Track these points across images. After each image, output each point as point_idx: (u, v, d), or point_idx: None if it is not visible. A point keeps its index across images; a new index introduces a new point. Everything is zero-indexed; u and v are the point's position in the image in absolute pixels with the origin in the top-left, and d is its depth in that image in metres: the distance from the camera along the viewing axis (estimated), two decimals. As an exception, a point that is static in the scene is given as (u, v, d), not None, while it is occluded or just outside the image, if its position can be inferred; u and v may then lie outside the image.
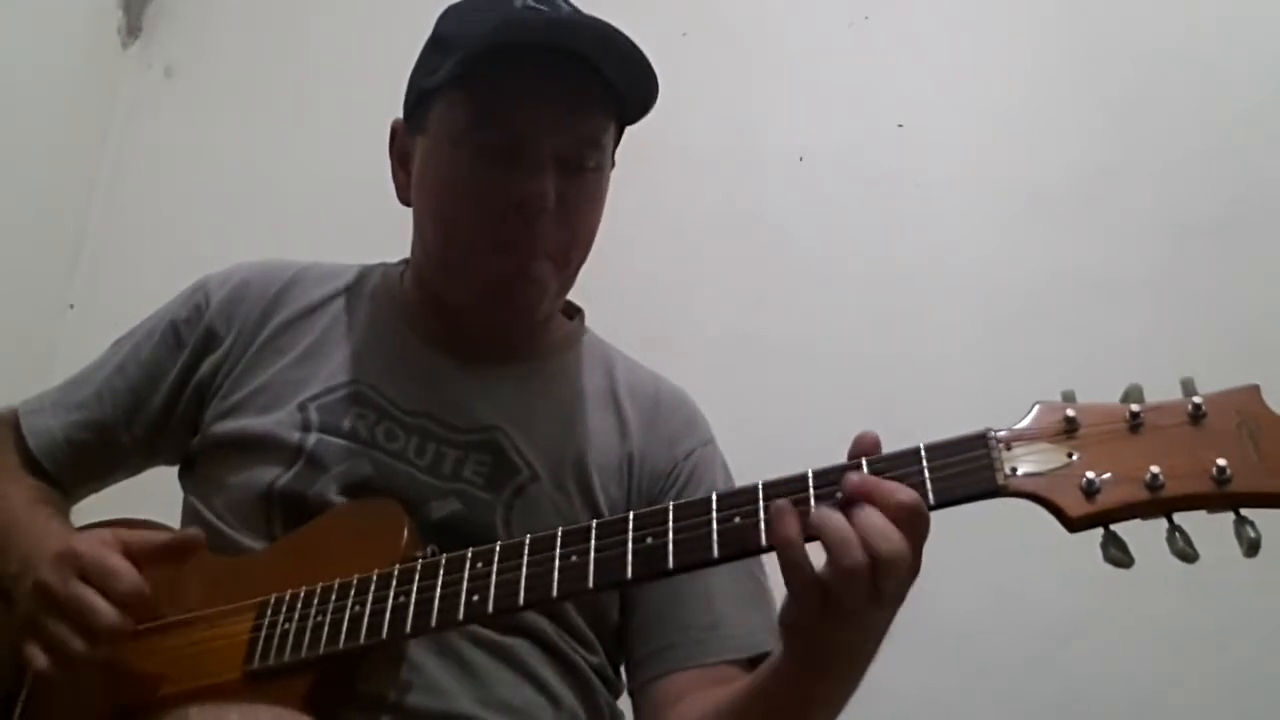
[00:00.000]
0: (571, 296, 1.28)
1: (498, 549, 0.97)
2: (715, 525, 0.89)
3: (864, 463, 0.86)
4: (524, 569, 0.94)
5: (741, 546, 0.88)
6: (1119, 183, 1.86)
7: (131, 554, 1.05)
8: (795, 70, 2.13)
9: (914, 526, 0.83)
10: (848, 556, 0.82)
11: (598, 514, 1.15)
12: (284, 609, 1.02)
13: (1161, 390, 0.83)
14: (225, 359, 1.25)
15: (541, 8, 1.15)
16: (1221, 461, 0.76)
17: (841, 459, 0.88)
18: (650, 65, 1.12)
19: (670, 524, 0.91)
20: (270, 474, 1.15)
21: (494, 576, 0.95)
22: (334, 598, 1.00)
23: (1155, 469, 0.78)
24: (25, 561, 1.09)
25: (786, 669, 0.94)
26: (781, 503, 0.86)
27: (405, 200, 1.24)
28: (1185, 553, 0.77)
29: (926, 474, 0.84)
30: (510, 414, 1.20)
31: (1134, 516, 0.79)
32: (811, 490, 0.86)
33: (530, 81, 1.12)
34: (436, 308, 1.24)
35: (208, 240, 2.26)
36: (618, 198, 1.22)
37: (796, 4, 2.17)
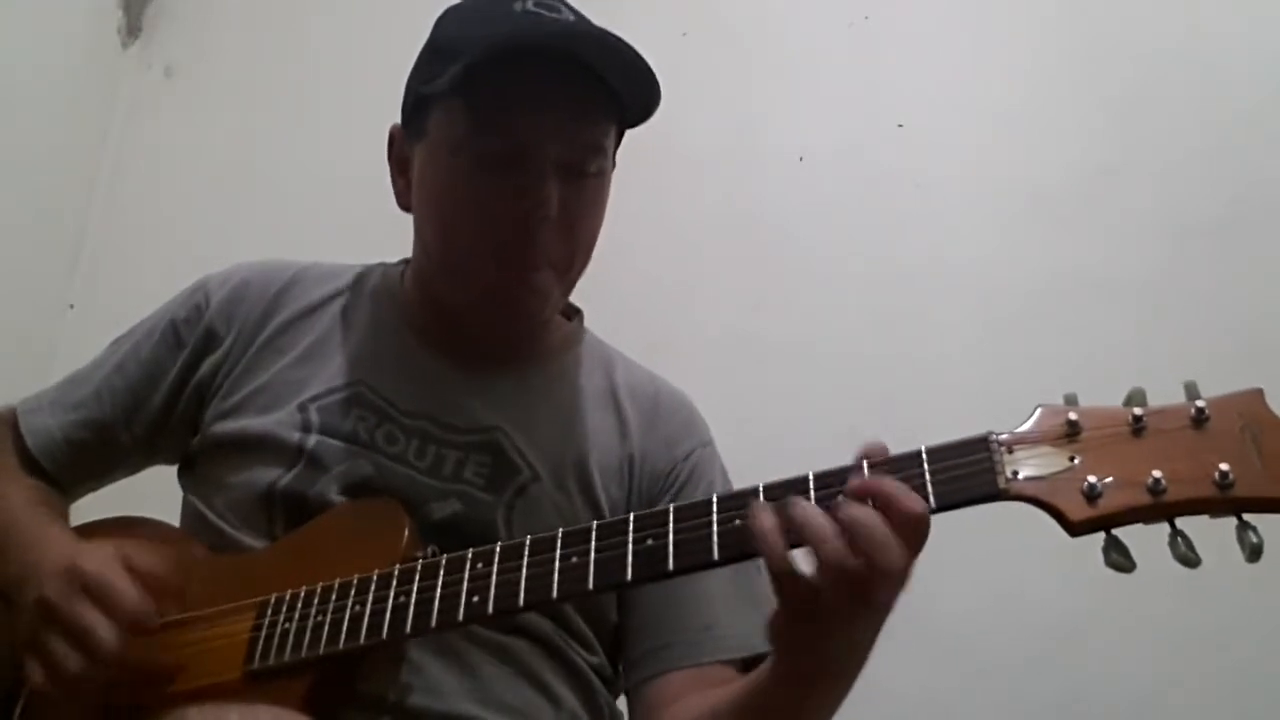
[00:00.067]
0: (571, 296, 1.28)
1: (498, 550, 0.97)
2: (715, 527, 0.89)
3: (865, 464, 0.86)
4: (524, 570, 0.94)
5: (741, 548, 0.87)
6: (1119, 183, 1.86)
7: (135, 573, 1.04)
8: (795, 70, 2.13)
9: (916, 535, 0.82)
10: (832, 553, 0.81)
11: (599, 515, 1.15)
12: (284, 609, 1.02)
13: (1161, 390, 0.83)
14: (225, 359, 1.24)
15: (542, 12, 1.14)
16: (1224, 466, 0.76)
17: (841, 459, 0.88)
18: (652, 72, 1.11)
19: (670, 525, 0.91)
20: (271, 474, 1.15)
21: (494, 577, 0.95)
22: (334, 598, 1.00)
23: (1157, 473, 0.78)
24: (25, 565, 1.08)
25: (778, 674, 0.94)
26: (760, 501, 0.86)
27: (405, 206, 1.23)
28: (1187, 558, 0.77)
29: (927, 477, 0.84)
30: (510, 415, 1.20)
31: (1136, 521, 0.79)
32: (813, 492, 0.86)
33: (532, 88, 1.11)
34: (436, 309, 1.24)
35: (208, 240, 2.26)
36: (617, 198, 1.21)
37: (796, 4, 2.17)
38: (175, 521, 1.24)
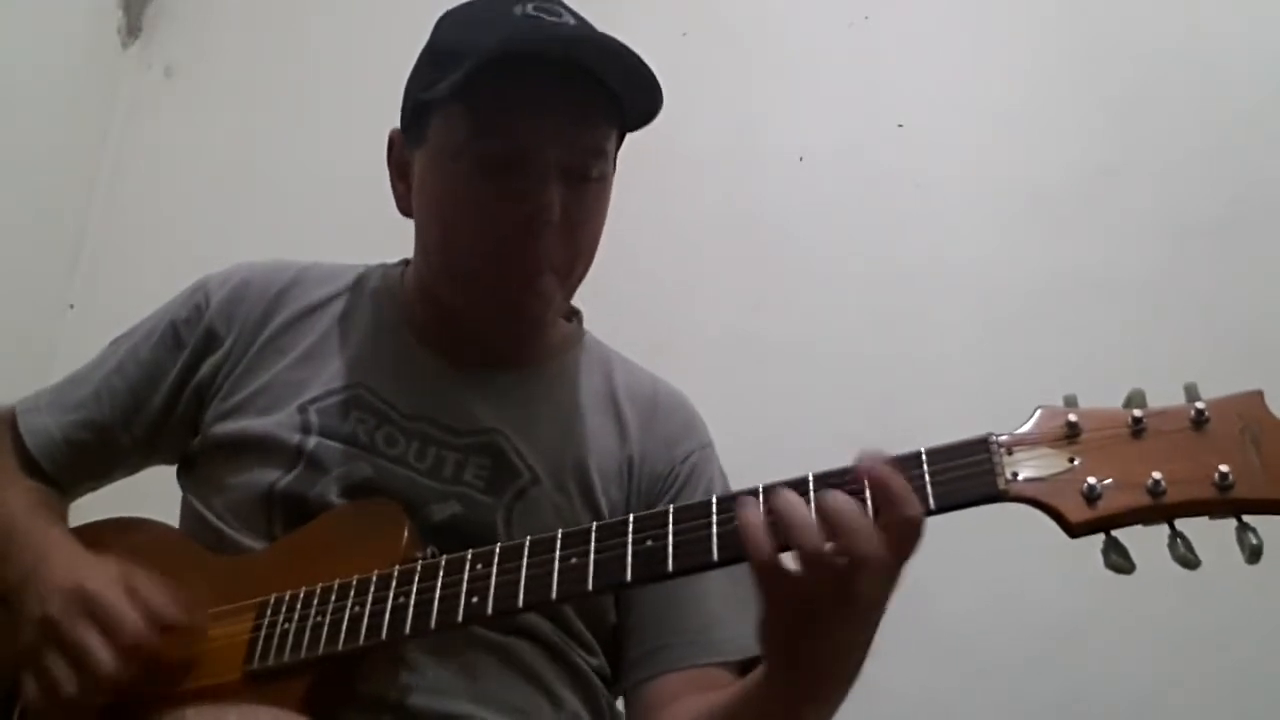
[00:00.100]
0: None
1: (497, 550, 0.97)
2: (715, 528, 0.89)
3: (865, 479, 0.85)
4: (523, 570, 0.94)
5: (740, 550, 0.87)
6: (1119, 183, 1.86)
7: (138, 600, 1.04)
8: (795, 70, 2.13)
9: (906, 537, 0.82)
10: (809, 540, 0.82)
11: (599, 517, 1.15)
12: (284, 609, 1.02)
13: (1161, 390, 0.83)
14: (225, 360, 1.24)
15: (542, 16, 1.14)
16: (1224, 467, 0.76)
17: (841, 460, 0.87)
18: (654, 76, 1.11)
19: (670, 526, 0.91)
20: (271, 476, 1.15)
21: (493, 578, 0.95)
22: (334, 598, 1.00)
23: (1157, 474, 0.78)
24: (26, 571, 1.08)
25: (770, 677, 0.94)
26: (748, 496, 0.87)
27: (405, 211, 1.23)
28: (1187, 559, 0.77)
29: (927, 478, 0.84)
30: (510, 417, 1.20)
31: (1136, 522, 0.79)
32: (812, 493, 0.86)
33: (532, 92, 1.11)
34: (437, 311, 1.24)
35: (208, 240, 2.26)
36: (617, 198, 1.21)
37: (796, 4, 2.17)
38: (174, 522, 1.24)
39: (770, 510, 0.85)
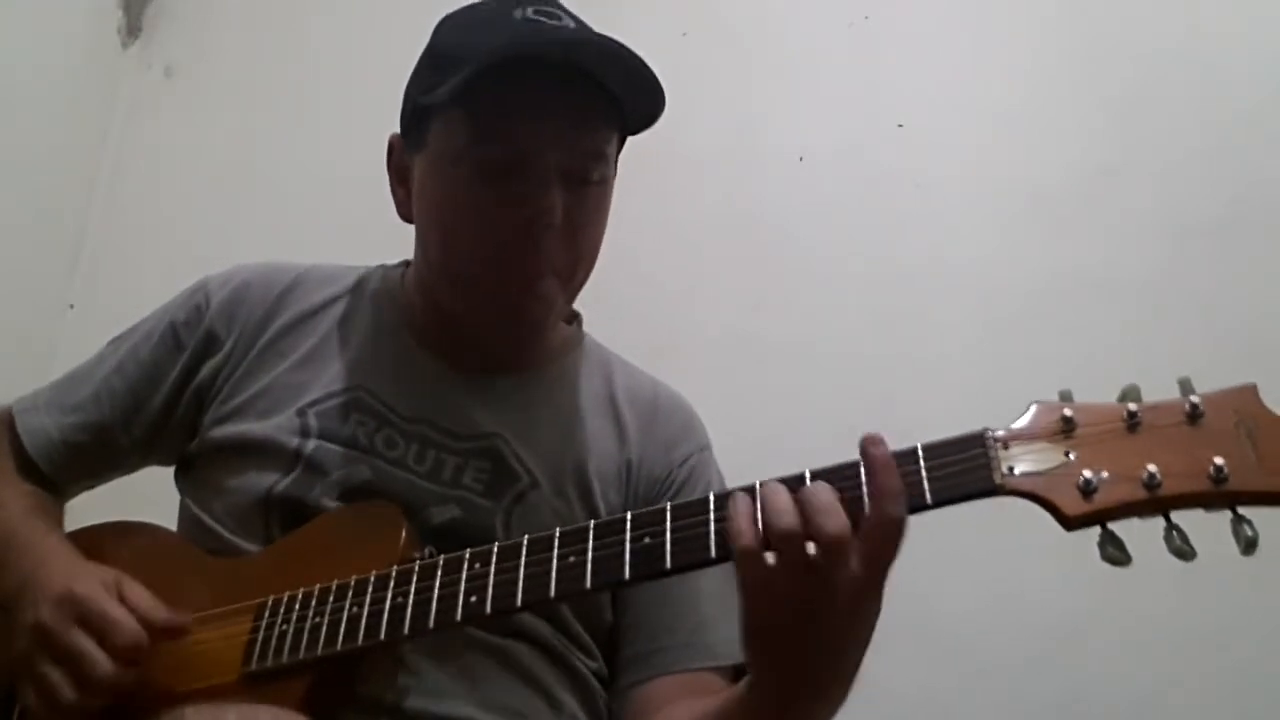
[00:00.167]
0: (571, 299, 1.28)
1: (495, 550, 0.97)
2: (712, 525, 0.89)
3: (860, 461, 0.86)
4: (521, 569, 0.94)
5: (732, 543, 0.87)
6: (1119, 183, 1.86)
7: (128, 604, 1.04)
8: (795, 70, 2.12)
9: (886, 537, 0.83)
10: (784, 524, 0.82)
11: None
12: (282, 610, 1.03)
13: (1161, 390, 0.83)
14: (225, 362, 1.24)
15: (542, 20, 1.14)
16: (1219, 460, 0.77)
17: (841, 459, 0.88)
18: (655, 79, 1.11)
19: (668, 524, 0.91)
20: (269, 479, 1.15)
21: (491, 577, 0.95)
22: (332, 599, 1.01)
23: (1152, 468, 0.78)
24: (23, 578, 1.09)
25: (756, 682, 0.93)
26: (742, 492, 0.87)
27: (405, 216, 1.23)
28: (1182, 551, 0.77)
29: (924, 473, 0.84)
30: (510, 421, 1.20)
31: (1131, 515, 0.79)
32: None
33: (532, 96, 1.11)
34: (437, 314, 1.24)
35: (208, 240, 2.26)
36: (617, 198, 1.21)
37: (796, 4, 2.17)
38: (171, 524, 1.24)
39: (760, 500, 0.85)
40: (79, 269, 2.48)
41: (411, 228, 1.24)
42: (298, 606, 1.02)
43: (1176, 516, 0.78)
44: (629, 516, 0.93)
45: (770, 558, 0.83)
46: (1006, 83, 1.99)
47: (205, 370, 1.25)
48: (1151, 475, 0.78)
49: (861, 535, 0.83)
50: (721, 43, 2.18)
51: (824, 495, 0.83)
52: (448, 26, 1.20)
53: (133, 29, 2.64)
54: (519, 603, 0.93)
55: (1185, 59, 1.89)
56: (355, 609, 0.99)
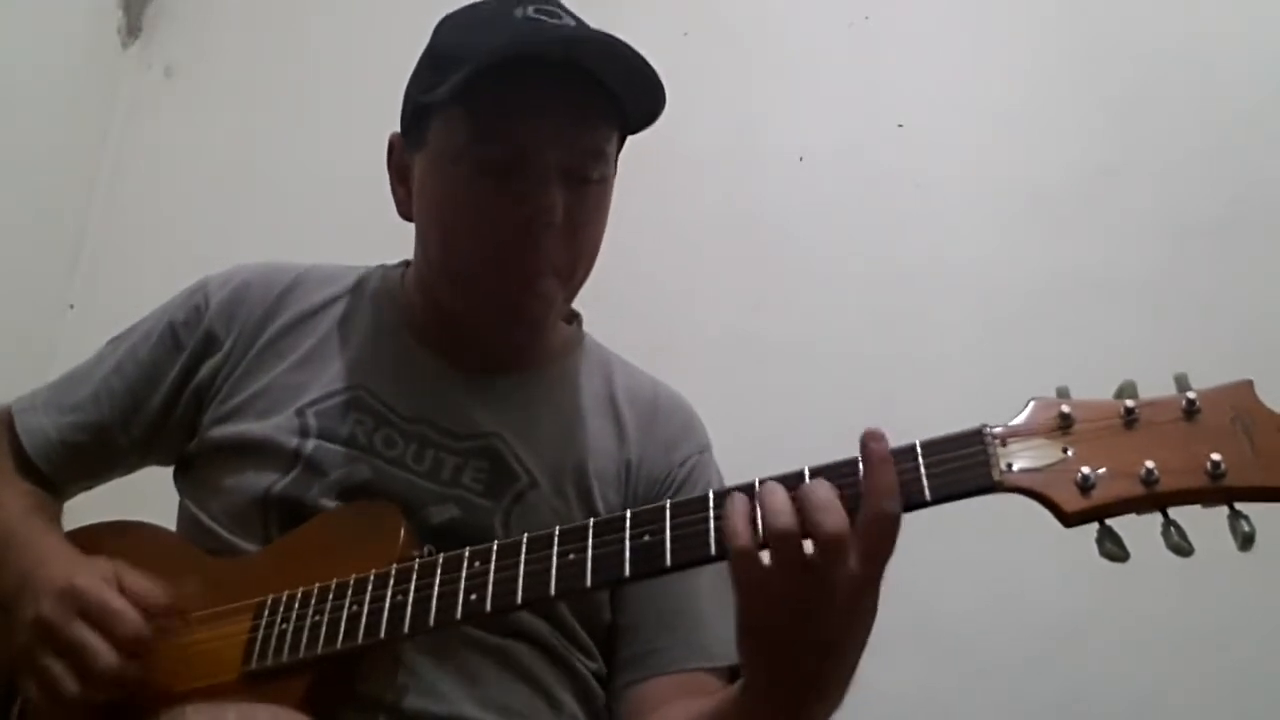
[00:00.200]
0: (571, 299, 1.28)
1: (495, 548, 0.97)
2: (712, 522, 0.89)
3: (859, 458, 0.86)
4: (521, 567, 0.94)
5: (732, 541, 0.87)
6: (1119, 183, 1.86)
7: (127, 595, 1.04)
8: (795, 70, 2.12)
9: (881, 533, 0.83)
10: (781, 522, 0.82)
11: (595, 519, 1.15)
12: (281, 609, 1.03)
13: (1160, 390, 0.83)
14: (225, 362, 1.24)
15: (543, 19, 1.14)
16: (1216, 456, 0.77)
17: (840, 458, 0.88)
18: (657, 77, 1.11)
19: (668, 521, 0.91)
20: (267, 479, 1.15)
21: (491, 575, 0.95)
22: (331, 597, 1.01)
23: (1150, 464, 0.78)
24: (23, 578, 1.09)
25: (750, 683, 0.93)
26: (741, 490, 0.87)
27: (405, 215, 1.23)
28: (1180, 547, 0.78)
29: (923, 470, 0.84)
30: (509, 421, 1.20)
31: (1129, 511, 0.79)
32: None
33: (532, 94, 1.11)
34: (437, 314, 1.24)
35: (208, 240, 2.26)
36: (617, 198, 1.22)
37: (796, 4, 2.17)
38: (170, 524, 1.24)
39: (759, 500, 0.85)
40: (79, 269, 2.48)
41: (411, 228, 1.24)
42: (297, 605, 1.02)
43: (1174, 512, 0.78)
44: (629, 514, 0.93)
45: (766, 557, 0.83)
46: (1006, 83, 1.99)
47: (204, 370, 1.25)
48: (1149, 471, 0.78)
49: (857, 532, 0.83)
50: (722, 42, 2.18)
51: (822, 492, 0.83)
52: (448, 26, 1.20)
53: (133, 29, 2.64)
54: (519, 600, 0.93)
55: (1185, 59, 1.89)
56: (355, 607, 0.99)
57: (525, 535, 0.96)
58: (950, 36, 2.05)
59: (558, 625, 1.14)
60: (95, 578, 1.04)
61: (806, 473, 0.87)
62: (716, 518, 0.88)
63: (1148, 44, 1.92)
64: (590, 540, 0.93)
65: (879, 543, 0.83)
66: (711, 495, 0.90)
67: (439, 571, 0.98)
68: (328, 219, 2.18)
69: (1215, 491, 0.77)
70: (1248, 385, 0.80)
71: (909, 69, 2.06)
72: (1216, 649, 1.58)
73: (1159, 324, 1.75)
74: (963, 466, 0.83)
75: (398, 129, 1.23)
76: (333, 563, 1.03)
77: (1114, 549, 0.79)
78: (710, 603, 1.14)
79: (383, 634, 0.97)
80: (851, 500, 0.84)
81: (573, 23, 1.16)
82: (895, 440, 0.87)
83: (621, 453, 1.22)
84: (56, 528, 1.22)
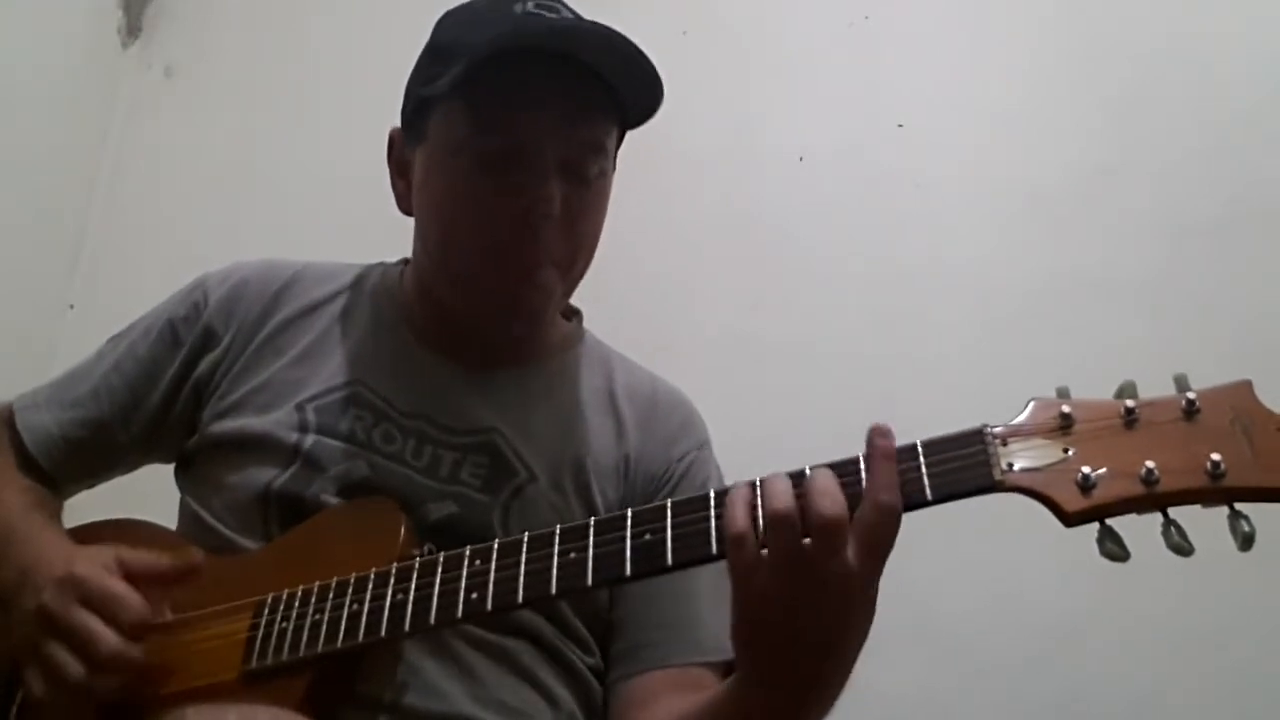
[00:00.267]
0: (571, 296, 1.28)
1: (495, 547, 0.97)
2: (713, 521, 0.89)
3: (860, 458, 0.86)
4: (522, 566, 0.94)
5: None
6: (1117, 183, 1.86)
7: (132, 576, 1.04)
8: (795, 70, 2.12)
9: (881, 527, 0.83)
10: (780, 511, 0.83)
11: (595, 515, 1.15)
12: (281, 608, 1.02)
13: (1160, 390, 0.83)
14: (224, 358, 1.24)
15: (543, 13, 1.14)
16: (1216, 456, 0.77)
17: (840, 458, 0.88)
18: (655, 70, 1.11)
19: (669, 520, 0.91)
20: (267, 475, 1.15)
21: (492, 574, 0.95)
22: (331, 596, 1.00)
23: (1150, 464, 0.78)
24: (23, 572, 1.08)
25: (745, 677, 0.93)
26: (742, 485, 0.87)
27: (405, 210, 1.23)
28: (1180, 546, 0.78)
29: (924, 470, 0.84)
30: (508, 416, 1.20)
31: (1129, 511, 0.79)
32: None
33: (532, 87, 1.12)
34: (436, 309, 1.24)
35: (208, 240, 2.25)
36: (616, 197, 1.22)
37: (796, 3, 2.17)
38: (171, 522, 1.24)
39: (761, 492, 0.86)
40: (79, 269, 2.48)
41: (410, 228, 1.25)
42: (297, 604, 1.01)
43: (1174, 512, 0.78)
44: (629, 513, 0.93)
45: (762, 547, 0.83)
46: (1005, 83, 1.99)
47: (203, 366, 1.25)
48: (1149, 471, 0.78)
49: (856, 525, 0.83)
50: (721, 42, 2.18)
51: (823, 479, 0.84)
52: (449, 21, 1.20)
53: (133, 29, 2.64)
54: (520, 599, 0.93)
55: (1184, 59, 1.89)
56: (355, 606, 0.99)
57: (526, 534, 0.96)
58: (949, 36, 2.06)
59: (558, 622, 1.14)
60: (95, 565, 1.04)
61: (808, 471, 0.87)
62: (718, 516, 0.88)
63: (1146, 44, 1.92)
64: (591, 539, 0.93)
65: (878, 537, 0.82)
66: (712, 494, 0.90)
67: (440, 570, 0.97)
68: (328, 218, 2.18)
69: (1215, 491, 0.77)
70: (1247, 385, 0.80)
71: (908, 69, 2.06)
72: (1216, 649, 1.58)
73: (1158, 324, 1.75)
74: (964, 466, 0.84)
75: (398, 125, 1.24)
76: (332, 561, 1.03)
77: (1115, 549, 0.79)
78: (706, 599, 1.14)
79: (384, 632, 0.96)
80: (852, 500, 0.84)
81: (571, 18, 1.17)
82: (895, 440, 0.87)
83: (620, 448, 1.22)
84: (57, 523, 1.22)
